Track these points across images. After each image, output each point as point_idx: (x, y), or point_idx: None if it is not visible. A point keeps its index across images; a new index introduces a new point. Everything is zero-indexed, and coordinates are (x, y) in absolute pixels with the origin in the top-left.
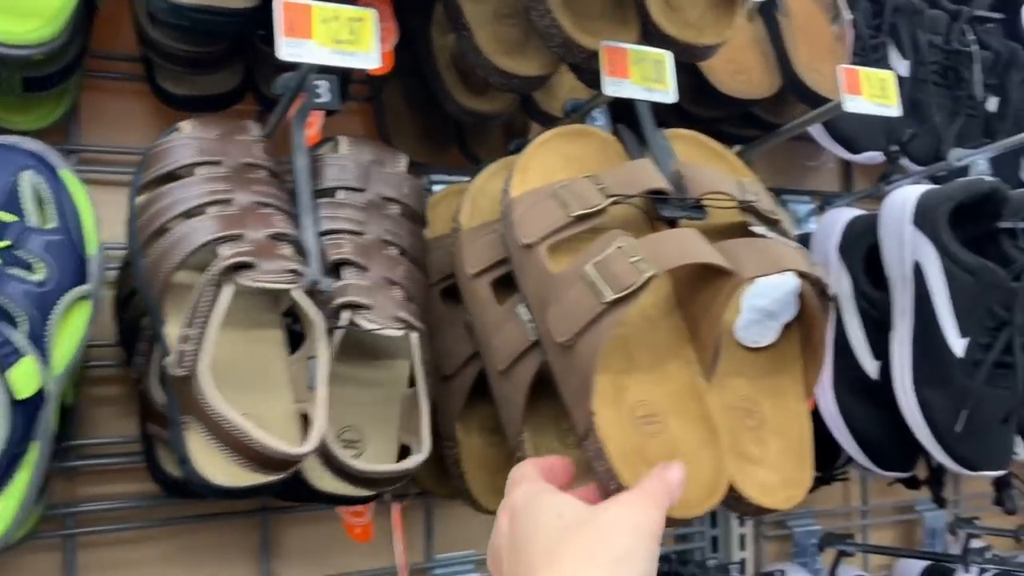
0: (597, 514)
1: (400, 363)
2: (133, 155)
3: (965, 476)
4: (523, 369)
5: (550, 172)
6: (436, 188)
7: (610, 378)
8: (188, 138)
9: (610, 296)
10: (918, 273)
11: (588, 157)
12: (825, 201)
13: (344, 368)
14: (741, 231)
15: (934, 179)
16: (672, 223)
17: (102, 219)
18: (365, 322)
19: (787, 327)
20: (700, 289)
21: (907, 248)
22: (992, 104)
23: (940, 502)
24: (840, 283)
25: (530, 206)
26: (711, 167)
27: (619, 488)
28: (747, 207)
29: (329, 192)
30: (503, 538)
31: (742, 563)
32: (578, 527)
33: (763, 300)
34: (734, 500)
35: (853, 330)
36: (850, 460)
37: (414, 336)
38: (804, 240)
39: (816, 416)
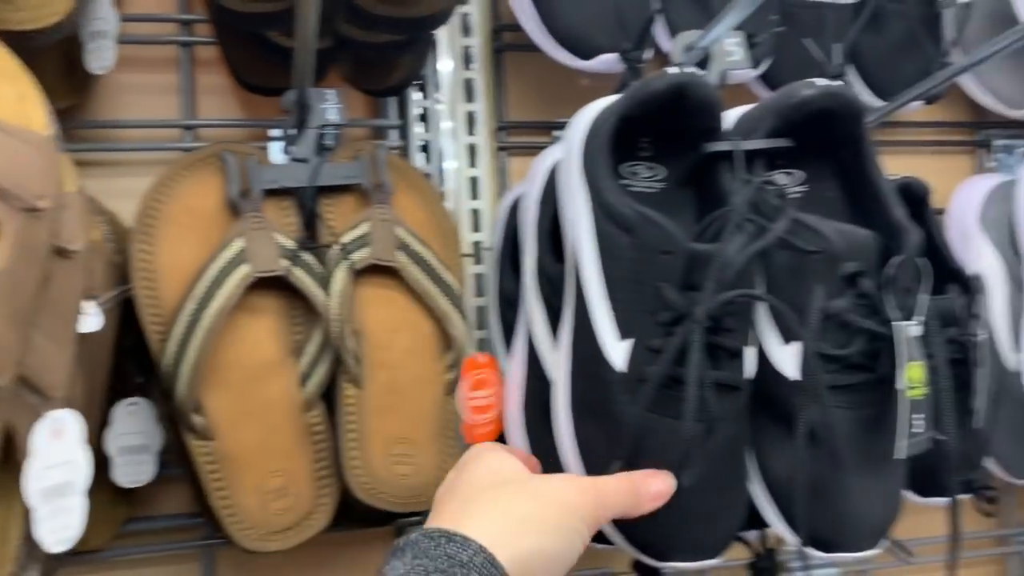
0: (532, 480)
1: None
2: None
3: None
4: None
5: None
6: None
7: None
8: None
9: None
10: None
11: None
12: None
13: None
14: None
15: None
16: None
17: None
18: None
19: None
20: None
21: (575, 196)
22: None
23: None
24: (529, 257)
25: None
26: None
27: None
28: None
29: None
30: (445, 485)
31: None
32: (506, 483)
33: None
34: None
35: (537, 326)
36: None
37: None
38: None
39: None
